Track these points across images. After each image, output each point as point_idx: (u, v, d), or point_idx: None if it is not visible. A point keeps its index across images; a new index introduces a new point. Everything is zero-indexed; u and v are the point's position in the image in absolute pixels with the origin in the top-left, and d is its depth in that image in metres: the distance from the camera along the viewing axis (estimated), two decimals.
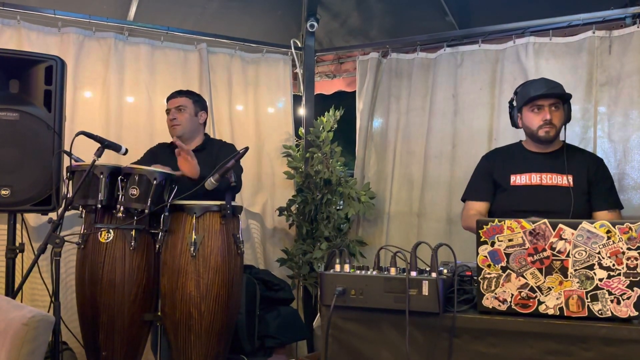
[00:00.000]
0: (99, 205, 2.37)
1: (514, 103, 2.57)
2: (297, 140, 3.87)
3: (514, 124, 2.62)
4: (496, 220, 1.69)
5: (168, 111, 2.94)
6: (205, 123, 3.01)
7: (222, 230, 2.46)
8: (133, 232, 2.41)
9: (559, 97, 2.45)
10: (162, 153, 2.92)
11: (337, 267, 1.82)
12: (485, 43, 3.41)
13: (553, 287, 1.63)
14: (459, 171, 3.38)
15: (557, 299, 1.63)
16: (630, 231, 1.58)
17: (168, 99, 2.97)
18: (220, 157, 2.76)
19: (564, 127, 2.52)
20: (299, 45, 3.89)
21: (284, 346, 3.38)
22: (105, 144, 2.42)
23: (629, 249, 1.58)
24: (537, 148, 2.55)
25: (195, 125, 2.95)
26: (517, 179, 2.52)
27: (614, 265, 1.59)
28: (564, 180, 2.45)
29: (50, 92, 2.56)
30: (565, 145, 2.53)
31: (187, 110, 2.91)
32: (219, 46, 3.67)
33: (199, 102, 2.99)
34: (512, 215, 2.00)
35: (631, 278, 1.58)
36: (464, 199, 2.69)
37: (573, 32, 3.18)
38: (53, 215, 2.52)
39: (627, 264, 1.58)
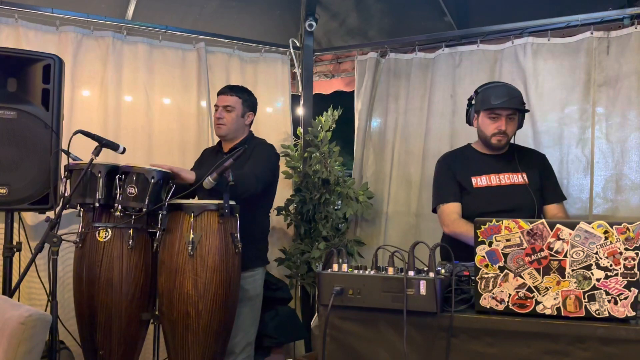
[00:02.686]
0: (97, 204, 2.37)
1: (473, 102, 2.62)
2: (295, 140, 3.86)
3: (469, 122, 2.68)
4: (494, 220, 1.69)
5: (216, 108, 2.92)
6: (252, 122, 3.01)
7: (219, 230, 2.45)
8: (131, 231, 2.41)
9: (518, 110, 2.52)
10: (207, 157, 2.96)
11: (335, 267, 1.82)
12: (484, 43, 3.41)
13: (550, 287, 1.63)
14: None
15: (554, 299, 1.63)
16: (627, 231, 1.58)
17: (219, 94, 2.95)
18: (252, 156, 2.78)
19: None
20: (298, 45, 3.88)
21: (281, 346, 3.38)
22: (103, 143, 2.42)
23: (626, 249, 1.58)
24: (489, 150, 2.63)
25: (240, 126, 2.94)
26: (479, 181, 2.58)
27: (611, 265, 1.59)
28: (519, 178, 2.54)
29: (48, 90, 2.56)
30: (513, 145, 2.60)
31: (235, 111, 2.89)
32: (217, 45, 3.67)
33: (248, 102, 2.96)
34: (479, 217, 1.99)
35: (628, 278, 1.58)
36: (436, 205, 2.65)
37: (571, 33, 3.18)
38: (51, 214, 2.51)
39: (624, 264, 1.58)
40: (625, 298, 1.58)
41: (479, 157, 2.64)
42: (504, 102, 2.48)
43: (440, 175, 2.70)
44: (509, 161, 2.58)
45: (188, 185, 2.48)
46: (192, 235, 2.40)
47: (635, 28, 2.98)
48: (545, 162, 2.68)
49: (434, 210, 2.70)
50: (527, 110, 2.56)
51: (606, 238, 1.59)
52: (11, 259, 2.61)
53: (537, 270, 1.65)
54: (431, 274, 1.70)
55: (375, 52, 3.74)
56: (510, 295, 1.67)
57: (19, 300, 2.56)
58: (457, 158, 2.70)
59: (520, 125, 2.60)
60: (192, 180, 2.52)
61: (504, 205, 2.47)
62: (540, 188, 2.57)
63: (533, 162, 2.63)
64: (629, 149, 2.99)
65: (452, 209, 2.58)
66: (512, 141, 2.60)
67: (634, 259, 1.57)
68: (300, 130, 3.85)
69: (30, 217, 2.99)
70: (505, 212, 2.37)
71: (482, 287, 1.69)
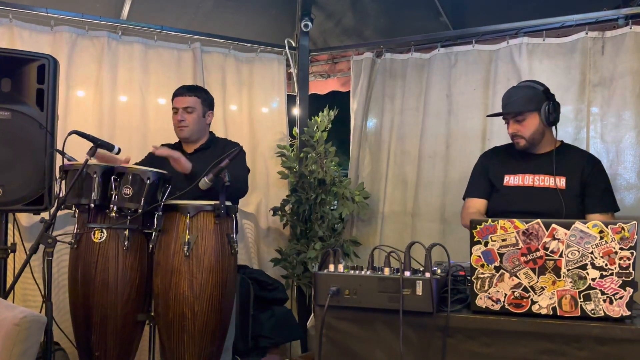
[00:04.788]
0: (92, 205, 2.35)
1: None
2: (291, 140, 3.86)
3: None
4: (489, 220, 1.69)
5: (175, 110, 2.83)
6: (210, 122, 2.93)
7: (215, 230, 2.45)
8: (126, 232, 2.40)
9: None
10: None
11: (331, 267, 1.82)
12: (479, 43, 3.42)
13: (546, 287, 1.64)
14: (452, 171, 3.39)
15: (550, 298, 1.63)
16: (622, 231, 1.58)
17: (175, 96, 2.85)
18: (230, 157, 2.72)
19: (554, 127, 2.52)
20: (293, 45, 3.88)
21: (277, 346, 3.37)
22: (98, 143, 2.41)
23: (621, 249, 1.59)
24: (532, 150, 2.56)
25: (202, 126, 2.86)
26: (511, 180, 2.54)
27: (606, 265, 1.59)
28: (556, 182, 2.46)
29: (42, 91, 2.55)
30: (561, 145, 2.55)
31: (196, 111, 2.81)
32: (213, 45, 3.66)
33: (207, 101, 2.89)
34: (505, 215, 2.00)
35: (623, 278, 1.58)
36: (464, 197, 2.70)
37: (566, 33, 3.20)
38: (45, 215, 2.50)
39: (619, 263, 1.59)
40: (621, 297, 1.58)
41: (520, 155, 2.56)
42: (502, 108, 2.53)
43: (475, 169, 2.71)
44: (550, 162, 2.48)
45: (185, 186, 2.47)
46: (188, 236, 2.39)
47: (630, 28, 2.99)
48: (594, 168, 2.50)
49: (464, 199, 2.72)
50: (521, 111, 2.47)
51: (601, 238, 1.60)
52: (5, 260, 2.60)
53: (533, 270, 1.65)
54: (427, 274, 1.70)
55: (371, 52, 3.74)
56: (506, 295, 1.67)
57: (13, 302, 2.55)
58: (498, 154, 2.67)
59: (548, 122, 2.46)
60: (188, 170, 2.52)
61: (531, 207, 2.38)
62: (579, 195, 2.45)
63: (579, 166, 2.48)
64: (623, 148, 3.00)
65: (473, 204, 2.60)
66: (557, 138, 2.54)
67: (629, 259, 1.58)
68: (296, 130, 3.85)
69: (25, 218, 2.98)
70: (530, 214, 2.16)
71: (478, 287, 1.69)
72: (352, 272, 1.79)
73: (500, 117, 2.61)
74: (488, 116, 2.67)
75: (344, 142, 3.91)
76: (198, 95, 2.85)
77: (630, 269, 1.58)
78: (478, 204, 2.59)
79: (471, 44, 3.42)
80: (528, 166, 2.53)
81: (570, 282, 1.62)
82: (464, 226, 2.62)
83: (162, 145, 2.96)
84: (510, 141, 2.62)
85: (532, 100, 2.48)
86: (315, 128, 3.64)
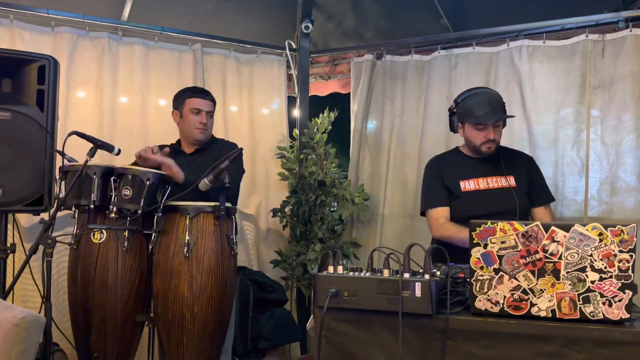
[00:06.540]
0: (92, 206, 2.36)
1: (455, 110, 2.64)
2: (291, 142, 3.86)
3: (453, 130, 2.69)
4: (489, 222, 1.69)
5: (197, 111, 2.81)
6: None
7: (215, 231, 2.45)
8: (126, 233, 2.41)
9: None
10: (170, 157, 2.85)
11: (331, 269, 1.82)
12: (480, 46, 3.42)
13: (545, 289, 1.64)
14: None
15: (549, 301, 1.63)
16: (622, 234, 1.58)
17: (196, 96, 2.83)
18: (222, 156, 2.72)
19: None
20: (294, 46, 3.88)
21: (277, 348, 3.37)
22: (98, 144, 2.41)
23: (620, 251, 1.58)
24: (477, 154, 2.64)
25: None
26: (467, 185, 2.60)
27: (605, 267, 1.59)
28: (507, 182, 2.57)
29: (43, 91, 2.55)
30: (500, 148, 2.62)
31: (213, 116, 2.89)
32: (213, 47, 3.66)
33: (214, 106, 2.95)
34: (467, 221, 1.99)
35: (623, 280, 1.58)
36: (424, 209, 2.68)
37: (566, 36, 3.20)
38: (45, 216, 2.50)
39: (618, 266, 1.58)
40: (620, 300, 1.58)
41: (467, 161, 2.66)
42: (488, 112, 2.52)
43: (428, 179, 2.72)
44: (496, 164, 2.59)
45: (184, 187, 2.47)
46: (187, 237, 2.40)
47: (630, 31, 3.00)
48: (533, 165, 2.70)
49: (423, 214, 2.71)
50: (512, 116, 2.58)
51: (601, 240, 1.60)
52: (5, 261, 2.60)
53: (532, 272, 1.65)
54: (426, 276, 1.70)
55: (372, 54, 3.74)
56: (505, 297, 1.67)
57: (12, 302, 2.55)
58: (445, 162, 2.72)
59: (504, 125, 2.62)
60: (180, 179, 2.52)
61: (492, 209, 2.48)
62: (527, 191, 2.60)
63: (521, 164, 2.65)
64: (623, 151, 3.00)
65: (440, 213, 2.61)
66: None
67: (628, 261, 1.58)
68: (296, 131, 3.85)
69: (25, 219, 2.98)
70: (493, 215, 2.35)
71: (477, 289, 1.69)
72: (351, 273, 1.79)
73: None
74: (478, 122, 2.64)
75: (344, 144, 3.91)
76: (214, 100, 2.90)
77: (630, 272, 1.58)
78: (445, 212, 2.61)
79: (471, 46, 3.42)
80: (477, 170, 2.61)
81: (570, 284, 1.62)
82: (438, 238, 2.61)
83: (158, 146, 2.97)
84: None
85: (503, 105, 2.58)
86: (315, 130, 3.64)
